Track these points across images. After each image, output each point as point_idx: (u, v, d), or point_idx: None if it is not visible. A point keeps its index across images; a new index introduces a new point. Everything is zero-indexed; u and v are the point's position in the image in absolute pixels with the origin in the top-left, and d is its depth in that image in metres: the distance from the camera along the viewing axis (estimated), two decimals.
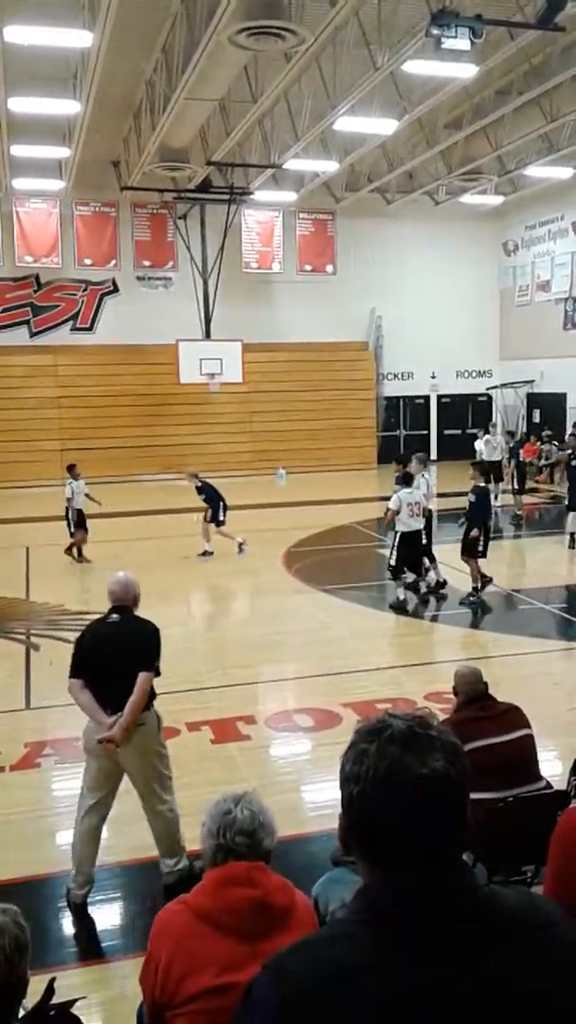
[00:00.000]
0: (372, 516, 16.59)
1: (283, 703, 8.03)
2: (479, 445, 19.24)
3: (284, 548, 14.61)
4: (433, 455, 25.54)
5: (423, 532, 11.28)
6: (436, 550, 11.76)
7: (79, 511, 13.95)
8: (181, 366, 21.88)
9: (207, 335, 23.18)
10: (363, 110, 15.41)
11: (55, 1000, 2.17)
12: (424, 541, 11.40)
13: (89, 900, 4.80)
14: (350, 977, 1.28)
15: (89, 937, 4.66)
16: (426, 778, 1.32)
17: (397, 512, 10.93)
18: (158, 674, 4.88)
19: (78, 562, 13.76)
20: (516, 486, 17.38)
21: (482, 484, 11.40)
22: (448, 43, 11.34)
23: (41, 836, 5.64)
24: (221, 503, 13.89)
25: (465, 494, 11.45)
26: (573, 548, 14.08)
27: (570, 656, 9.41)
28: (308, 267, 25.79)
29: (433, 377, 27.40)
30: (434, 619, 10.98)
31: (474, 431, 23.08)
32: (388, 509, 11.24)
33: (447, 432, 27.65)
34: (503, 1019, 1.29)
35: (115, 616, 4.95)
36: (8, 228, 23.33)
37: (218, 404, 23.99)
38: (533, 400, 26.26)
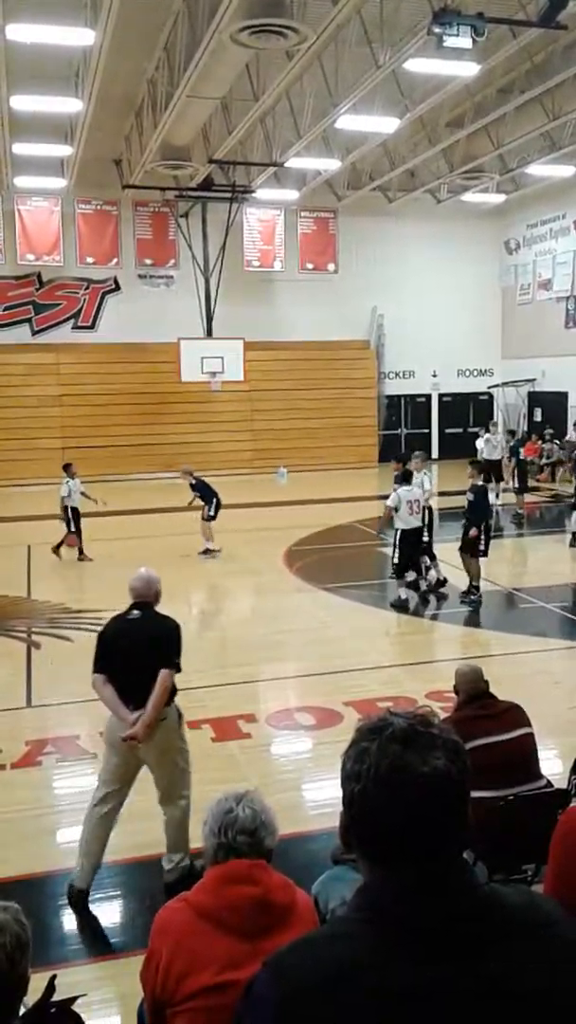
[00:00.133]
0: (373, 515, 16.55)
1: (284, 701, 8.03)
2: (479, 444, 19.24)
3: (285, 547, 14.60)
4: (434, 454, 25.56)
5: (423, 530, 11.28)
6: (437, 548, 11.75)
7: (75, 509, 13.99)
8: (182, 364, 21.84)
9: (208, 333, 23.16)
10: (365, 108, 15.41)
11: (56, 997, 2.17)
12: (425, 540, 11.40)
13: (90, 898, 4.79)
14: (350, 975, 1.28)
15: (90, 935, 4.66)
16: (427, 776, 1.32)
17: (396, 509, 10.94)
18: (179, 670, 4.88)
19: (58, 557, 13.82)
20: (517, 485, 17.38)
21: (480, 483, 11.39)
22: (450, 41, 11.35)
23: (42, 834, 5.64)
24: (215, 499, 13.93)
25: (465, 493, 11.46)
26: (574, 547, 14.08)
27: (571, 655, 9.40)
28: (310, 265, 25.78)
29: (434, 376, 27.38)
30: (435, 618, 10.99)
31: (475, 430, 23.00)
32: (386, 506, 11.25)
33: (448, 431, 27.59)
34: (503, 1018, 1.29)
35: (136, 612, 4.96)
36: (10, 226, 23.32)
37: (219, 403, 23.98)
38: (534, 399, 26.24)
